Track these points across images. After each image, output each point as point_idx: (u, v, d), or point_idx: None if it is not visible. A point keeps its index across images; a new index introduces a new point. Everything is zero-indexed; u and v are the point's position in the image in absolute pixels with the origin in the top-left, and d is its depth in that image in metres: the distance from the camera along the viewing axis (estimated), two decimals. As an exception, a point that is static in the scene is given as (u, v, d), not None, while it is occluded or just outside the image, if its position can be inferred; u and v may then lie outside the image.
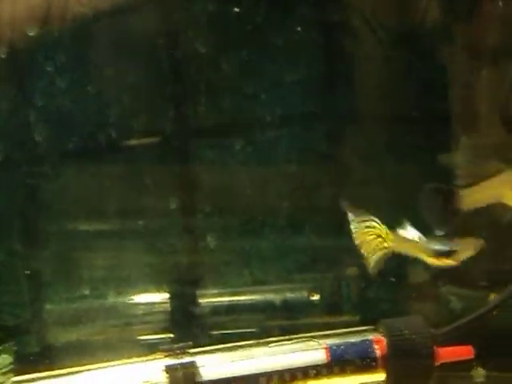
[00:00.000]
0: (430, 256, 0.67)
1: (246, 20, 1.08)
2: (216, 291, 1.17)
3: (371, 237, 0.71)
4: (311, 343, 0.91)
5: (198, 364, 0.87)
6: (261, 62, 1.09)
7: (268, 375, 0.88)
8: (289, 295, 1.18)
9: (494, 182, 0.72)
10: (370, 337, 0.93)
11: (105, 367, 0.88)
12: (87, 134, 1.10)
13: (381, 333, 0.93)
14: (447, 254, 0.65)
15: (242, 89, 1.08)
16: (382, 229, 0.71)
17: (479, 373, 1.08)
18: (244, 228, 1.15)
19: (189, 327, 1.14)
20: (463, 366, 0.97)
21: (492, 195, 0.71)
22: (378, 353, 0.91)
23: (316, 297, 1.18)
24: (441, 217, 0.73)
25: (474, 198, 0.71)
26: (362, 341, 0.92)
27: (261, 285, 1.17)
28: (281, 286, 1.18)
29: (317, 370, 0.89)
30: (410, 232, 0.68)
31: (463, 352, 0.95)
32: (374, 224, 0.72)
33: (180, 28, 1.07)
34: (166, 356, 0.88)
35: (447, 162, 0.76)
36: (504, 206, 0.72)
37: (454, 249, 0.65)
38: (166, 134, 1.10)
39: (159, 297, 1.16)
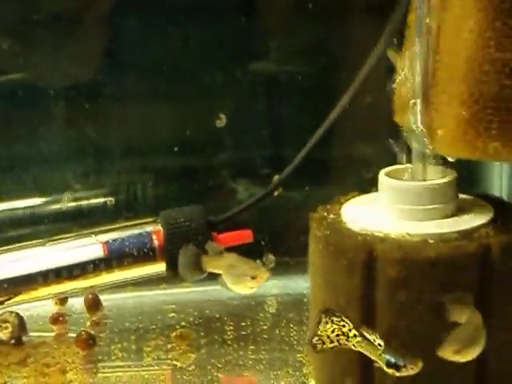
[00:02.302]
0: (383, 364, 0.68)
1: None
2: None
3: (334, 333, 0.70)
4: (88, 239, 0.91)
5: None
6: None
7: (44, 274, 0.88)
8: (84, 202, 1.17)
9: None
10: (149, 228, 0.93)
11: None
12: None
13: (160, 224, 0.94)
14: (396, 368, 0.67)
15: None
16: (348, 326, 0.70)
17: (270, 259, 1.11)
18: (25, 133, 1.11)
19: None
20: (254, 253, 0.99)
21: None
22: (156, 243, 0.92)
23: (111, 201, 1.17)
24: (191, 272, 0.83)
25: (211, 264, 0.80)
26: (140, 233, 0.93)
27: (49, 193, 1.15)
28: (73, 192, 1.16)
29: (95, 265, 0.90)
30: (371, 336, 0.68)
31: (242, 236, 0.97)
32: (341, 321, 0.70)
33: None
34: None
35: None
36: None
37: (403, 364, 0.66)
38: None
39: None
